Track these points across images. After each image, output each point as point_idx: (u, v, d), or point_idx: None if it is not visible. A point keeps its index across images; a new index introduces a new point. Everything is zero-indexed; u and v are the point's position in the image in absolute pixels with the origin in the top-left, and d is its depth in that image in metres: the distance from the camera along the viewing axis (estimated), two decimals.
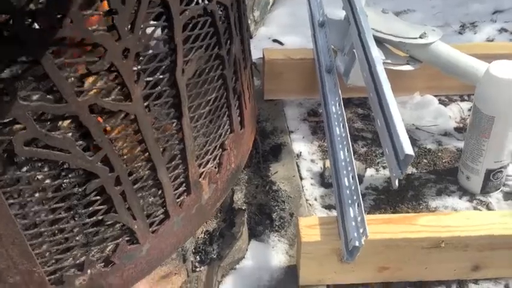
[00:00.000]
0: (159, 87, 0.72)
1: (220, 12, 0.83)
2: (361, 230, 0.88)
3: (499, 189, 1.20)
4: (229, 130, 0.94)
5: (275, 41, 1.83)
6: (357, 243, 0.87)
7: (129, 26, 0.63)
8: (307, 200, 1.22)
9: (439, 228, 0.95)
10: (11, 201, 0.64)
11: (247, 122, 1.03)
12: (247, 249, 1.08)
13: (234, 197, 1.18)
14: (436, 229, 0.95)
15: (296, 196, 1.20)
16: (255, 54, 1.77)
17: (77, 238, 0.72)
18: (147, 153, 0.74)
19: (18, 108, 0.58)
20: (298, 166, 1.30)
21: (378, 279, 1.01)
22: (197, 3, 0.77)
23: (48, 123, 0.61)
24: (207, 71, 0.82)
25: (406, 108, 1.45)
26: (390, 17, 1.33)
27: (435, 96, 1.47)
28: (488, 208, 1.17)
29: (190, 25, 0.75)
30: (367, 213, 1.15)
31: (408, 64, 1.30)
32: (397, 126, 0.83)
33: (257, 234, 1.11)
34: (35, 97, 0.58)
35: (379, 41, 1.25)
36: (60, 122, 0.63)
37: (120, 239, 0.77)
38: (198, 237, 1.00)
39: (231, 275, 1.03)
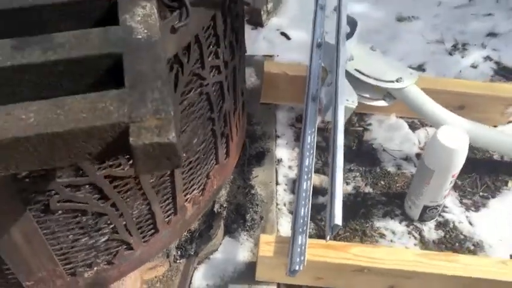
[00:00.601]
0: None
1: (215, 88, 1.05)
2: (302, 258, 1.16)
3: (434, 218, 1.46)
4: (214, 163, 1.20)
5: (283, 34, 2.00)
6: (297, 268, 1.15)
7: None
8: (277, 204, 1.49)
9: (366, 258, 1.23)
10: (44, 231, 0.92)
11: (233, 151, 1.28)
12: (220, 243, 1.37)
13: (219, 193, 1.45)
14: (363, 259, 1.23)
15: (268, 201, 1.47)
16: (263, 46, 1.97)
17: (89, 250, 1.01)
18: (145, 196, 1.01)
19: (55, 184, 0.84)
20: (276, 172, 1.56)
21: (315, 284, 1.31)
22: (194, 84, 0.99)
23: (75, 189, 0.87)
24: (198, 130, 1.05)
25: (380, 128, 1.67)
26: (375, 55, 1.51)
27: (410, 118, 1.69)
28: (421, 235, 1.44)
29: (186, 106, 0.98)
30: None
31: (384, 100, 1.51)
32: (337, 196, 1.08)
33: (231, 231, 1.40)
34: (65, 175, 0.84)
35: (360, 81, 1.45)
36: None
37: (120, 248, 1.06)
38: (184, 234, 1.29)
39: (204, 263, 1.33)
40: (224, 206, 1.44)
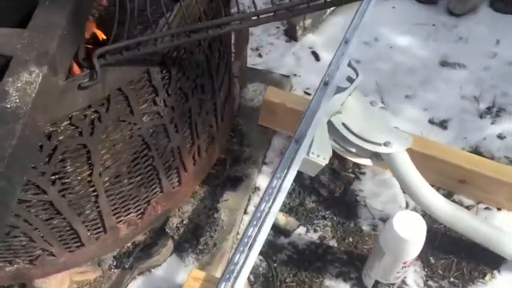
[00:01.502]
0: (77, 186, 1.00)
1: (154, 130, 1.05)
2: None
3: None
4: (159, 191, 1.22)
5: (313, 53, 1.94)
6: None
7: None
8: (237, 234, 1.49)
9: None
10: None
11: (188, 180, 1.29)
12: (165, 260, 1.41)
13: (184, 208, 1.48)
14: None
15: (228, 229, 1.47)
16: (290, 61, 1.93)
17: (7, 250, 1.09)
18: (63, 216, 1.05)
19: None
20: (249, 200, 1.55)
21: None
22: (122, 128, 1.00)
23: None
24: (129, 167, 1.07)
25: (371, 181, 1.60)
26: (371, 112, 1.42)
27: None
28: None
29: (110, 147, 1.00)
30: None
31: (370, 159, 1.43)
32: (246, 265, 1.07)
33: (181, 249, 1.43)
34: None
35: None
36: None
37: (41, 253, 1.13)
38: (123, 246, 1.34)
39: (144, 275, 1.38)
40: (184, 222, 1.46)
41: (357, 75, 1.43)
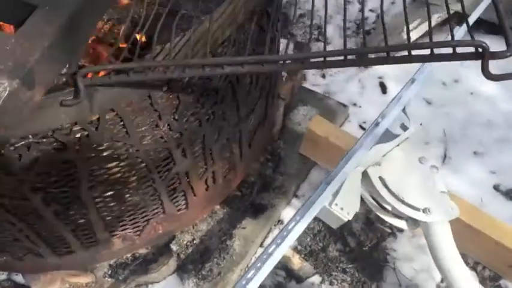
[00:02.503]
0: (63, 198, 0.94)
1: (155, 153, 0.97)
2: None
3: None
4: (160, 212, 1.14)
5: (381, 84, 1.77)
6: None
7: None
8: (247, 267, 1.39)
9: None
10: None
11: (197, 203, 1.20)
12: (164, 278, 1.33)
13: (199, 226, 1.40)
14: None
15: (237, 260, 1.37)
16: (353, 88, 1.78)
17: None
18: (51, 224, 1.00)
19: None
20: (269, 233, 1.44)
21: None
22: (116, 150, 0.93)
23: None
24: (128, 185, 1.00)
25: (408, 242, 1.43)
26: (417, 170, 1.25)
27: None
28: None
29: (105, 170, 0.93)
30: None
31: (406, 222, 1.26)
32: None
33: (184, 270, 1.35)
34: None
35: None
36: None
37: (29, 252, 1.09)
38: (122, 256, 1.28)
39: None
40: (195, 241, 1.38)
41: (409, 125, 1.27)
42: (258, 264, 1.12)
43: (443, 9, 1.75)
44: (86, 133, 0.82)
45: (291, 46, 1.90)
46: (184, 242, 1.38)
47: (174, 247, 1.35)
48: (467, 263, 1.38)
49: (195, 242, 1.38)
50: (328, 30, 1.92)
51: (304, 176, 1.53)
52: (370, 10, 2.00)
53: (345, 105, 1.65)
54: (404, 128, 1.30)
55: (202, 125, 1.00)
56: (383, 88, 1.76)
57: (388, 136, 1.32)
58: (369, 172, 1.21)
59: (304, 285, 1.36)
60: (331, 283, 1.37)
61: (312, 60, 0.73)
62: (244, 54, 0.83)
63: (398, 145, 1.27)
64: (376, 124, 1.34)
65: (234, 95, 1.04)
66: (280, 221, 1.46)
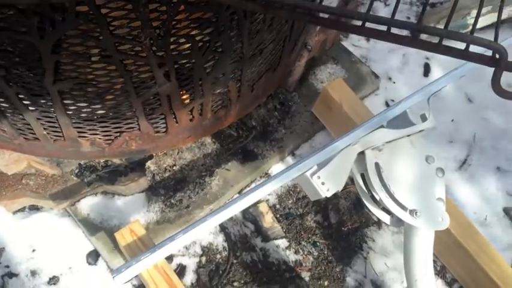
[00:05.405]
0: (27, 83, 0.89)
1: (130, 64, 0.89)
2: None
3: None
4: (135, 128, 1.07)
5: (426, 65, 1.61)
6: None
7: None
8: None
9: None
10: None
11: (178, 132, 1.13)
12: (132, 194, 1.29)
13: (184, 154, 1.34)
14: None
15: (209, 199, 1.31)
16: (395, 62, 1.63)
17: None
18: (15, 107, 0.96)
19: None
20: (252, 182, 1.36)
21: None
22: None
23: None
24: (99, 88, 0.93)
25: (392, 237, 1.33)
26: (420, 168, 1.13)
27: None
28: None
29: None
30: None
31: (390, 218, 1.15)
32: None
33: (154, 192, 1.30)
34: None
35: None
36: None
37: None
38: (92, 160, 1.24)
39: (105, 197, 1.29)
40: (175, 168, 1.33)
41: (427, 118, 1.14)
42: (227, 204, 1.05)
43: None
44: (51, 21, 0.75)
45: None
46: (164, 165, 1.33)
47: (152, 166, 1.30)
48: (444, 277, 1.29)
49: (174, 168, 1.33)
50: None
51: (308, 136, 1.43)
52: None
53: (377, 76, 1.52)
54: (423, 119, 1.17)
55: (193, 51, 0.90)
56: (426, 70, 1.60)
57: (403, 122, 1.19)
58: (366, 154, 1.10)
59: (269, 244, 1.30)
60: (296, 252, 1.30)
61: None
62: None
63: (409, 136, 1.15)
64: (394, 106, 1.22)
65: (239, 30, 0.93)
66: (267, 174, 1.38)
